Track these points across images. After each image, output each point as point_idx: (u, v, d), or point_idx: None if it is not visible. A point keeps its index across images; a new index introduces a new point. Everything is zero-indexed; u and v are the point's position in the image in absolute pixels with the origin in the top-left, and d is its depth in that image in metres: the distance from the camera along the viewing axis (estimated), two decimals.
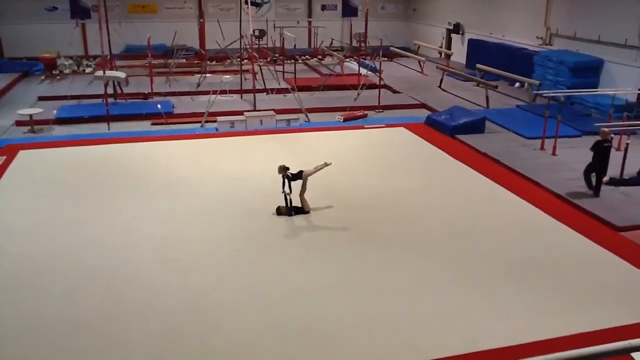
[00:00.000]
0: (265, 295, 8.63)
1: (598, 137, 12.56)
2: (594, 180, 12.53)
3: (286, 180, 11.36)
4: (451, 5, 31.17)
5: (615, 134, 14.50)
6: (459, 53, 29.42)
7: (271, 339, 7.61)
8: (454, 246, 10.29)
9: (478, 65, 23.95)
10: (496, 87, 21.34)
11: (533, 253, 10.07)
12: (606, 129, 12.60)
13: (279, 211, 11.50)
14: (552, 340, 7.58)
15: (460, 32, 30.10)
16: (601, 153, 12.34)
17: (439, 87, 24.12)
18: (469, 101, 21.25)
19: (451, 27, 30.70)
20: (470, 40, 28.66)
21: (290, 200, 11.46)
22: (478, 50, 27.23)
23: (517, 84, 23.91)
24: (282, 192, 11.41)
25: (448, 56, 29.15)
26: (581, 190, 12.64)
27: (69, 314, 8.10)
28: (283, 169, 11.41)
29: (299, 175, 11.50)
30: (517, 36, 25.43)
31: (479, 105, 20.78)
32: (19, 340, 7.53)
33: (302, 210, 11.52)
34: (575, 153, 15.22)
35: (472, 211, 11.86)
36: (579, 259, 9.91)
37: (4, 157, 14.64)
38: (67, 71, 26.65)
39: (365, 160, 14.93)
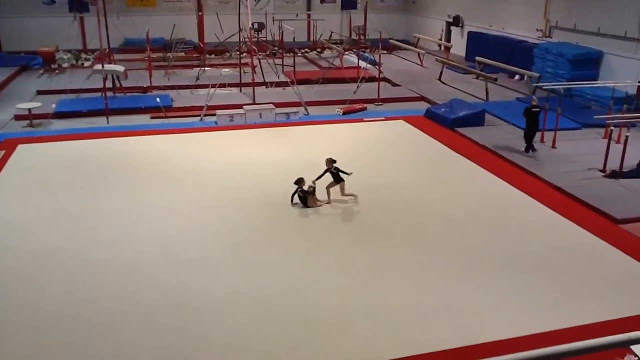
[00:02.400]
0: (265, 288, 8.63)
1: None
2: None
3: (327, 174, 11.50)
4: None
5: (615, 126, 14.49)
6: (459, 46, 29.35)
7: (272, 332, 7.62)
8: (453, 238, 10.29)
9: (478, 58, 23.89)
10: (496, 79, 21.30)
11: (533, 246, 10.07)
12: (535, 98, 15.42)
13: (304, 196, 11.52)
14: (551, 333, 7.60)
15: (460, 25, 30.01)
16: (532, 117, 14.61)
17: (439, 79, 24.07)
18: (468, 94, 21.21)
19: (451, 20, 30.60)
20: (469, 33, 28.59)
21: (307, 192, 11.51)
22: (478, 43, 27.16)
23: (516, 77, 23.86)
24: (313, 182, 11.49)
25: (448, 49, 29.08)
26: (581, 183, 12.64)
27: (69, 309, 8.10)
28: (330, 162, 11.49)
29: (338, 176, 11.51)
30: (516, 29, 25.36)
31: (479, 97, 20.74)
32: (18, 335, 7.53)
33: (306, 202, 11.53)
34: (575, 145, 15.23)
35: (471, 204, 11.86)
36: (578, 252, 9.91)
37: (3, 152, 14.61)
38: (65, 65, 26.56)
39: (365, 153, 14.90)
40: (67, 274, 8.99)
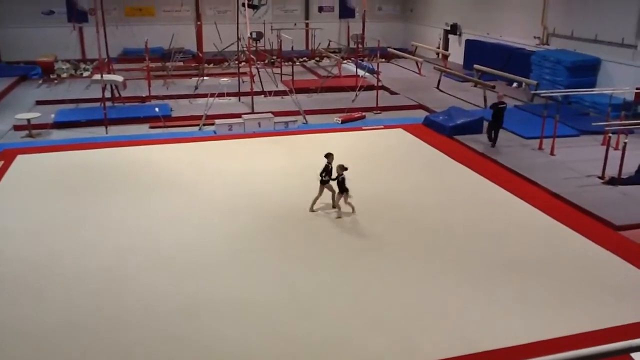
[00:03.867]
0: (264, 298, 8.60)
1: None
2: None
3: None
4: (448, 6, 31.22)
5: (613, 133, 14.52)
6: (457, 54, 29.46)
7: (271, 342, 7.60)
8: (453, 246, 10.29)
9: (475, 66, 23.97)
10: (494, 87, 21.33)
11: (532, 253, 10.06)
12: (501, 93, 16.70)
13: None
14: (551, 341, 7.57)
15: (458, 33, 30.14)
16: (498, 112, 15.72)
17: (437, 87, 24.13)
18: (466, 102, 21.27)
19: (448, 28, 30.74)
20: (467, 41, 28.71)
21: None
22: (475, 51, 27.27)
23: (514, 84, 23.93)
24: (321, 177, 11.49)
25: (445, 57, 29.17)
26: (580, 190, 12.65)
27: (68, 317, 8.07)
28: (342, 169, 11.31)
29: (344, 185, 11.36)
30: (514, 36, 25.47)
31: (477, 105, 20.79)
32: (18, 343, 7.51)
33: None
34: (574, 152, 15.26)
35: (470, 211, 11.86)
36: (578, 259, 9.90)
37: (2, 162, 14.61)
38: (64, 75, 26.63)
39: (364, 162, 14.90)
40: (66, 283, 8.98)
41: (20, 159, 14.98)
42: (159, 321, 8.02)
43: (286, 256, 9.94)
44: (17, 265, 9.55)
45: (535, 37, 23.90)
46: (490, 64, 23.70)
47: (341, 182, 11.35)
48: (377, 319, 8.10)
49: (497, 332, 7.80)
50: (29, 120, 17.64)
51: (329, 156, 11.65)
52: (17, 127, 18.06)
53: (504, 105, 15.85)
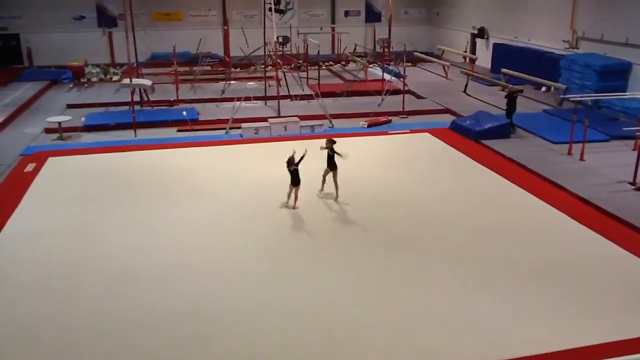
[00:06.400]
0: (289, 301, 8.63)
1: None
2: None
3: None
4: (475, 10, 31.00)
5: None
6: (484, 57, 29.22)
7: (295, 345, 7.62)
8: (479, 251, 10.19)
9: (503, 70, 23.74)
10: (522, 91, 21.09)
11: (560, 259, 9.92)
12: (513, 87, 19.41)
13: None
14: (578, 350, 7.45)
15: (485, 37, 29.89)
16: (513, 100, 17.91)
17: (464, 92, 23.95)
18: (494, 106, 21.04)
19: (476, 32, 30.50)
20: (495, 45, 28.45)
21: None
22: (503, 55, 27.03)
23: (543, 88, 23.64)
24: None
25: (473, 61, 28.96)
26: (610, 196, 12.44)
27: (93, 320, 8.18)
28: (330, 142, 11.85)
29: (334, 162, 11.91)
30: (542, 40, 25.16)
31: (505, 109, 20.52)
32: (44, 345, 7.65)
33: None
34: (604, 158, 15.02)
35: (497, 217, 11.75)
36: (607, 266, 9.74)
37: (34, 164, 14.91)
38: (94, 79, 27.07)
39: (390, 166, 14.88)
40: (92, 285, 9.11)
41: (51, 161, 15.26)
42: (183, 323, 8.09)
43: (311, 260, 9.95)
44: (45, 266, 9.73)
45: (564, 41, 23.58)
46: (518, 68, 23.46)
47: (331, 157, 11.68)
48: (401, 325, 8.06)
49: (521, 339, 7.69)
50: (60, 123, 17.97)
51: (330, 142, 11.93)
52: (48, 130, 18.41)
53: (517, 95, 18.16)
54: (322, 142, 12.36)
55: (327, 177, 12.42)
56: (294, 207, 11.93)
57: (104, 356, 7.43)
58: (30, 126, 19.19)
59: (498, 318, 8.21)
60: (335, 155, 11.99)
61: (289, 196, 11.97)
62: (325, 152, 12.20)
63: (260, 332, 7.90)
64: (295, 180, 11.71)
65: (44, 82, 25.96)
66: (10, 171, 14.62)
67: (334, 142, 11.94)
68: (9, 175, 14.30)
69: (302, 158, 11.68)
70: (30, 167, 14.72)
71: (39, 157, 15.52)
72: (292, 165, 11.58)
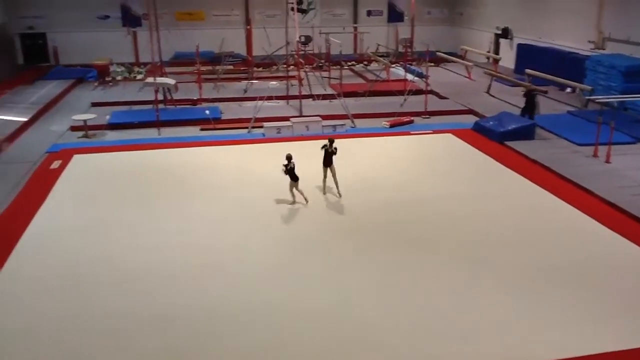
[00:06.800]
0: (308, 302, 8.66)
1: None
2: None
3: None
4: (499, 10, 30.73)
5: None
6: (508, 58, 28.96)
7: (308, 345, 7.65)
8: (502, 254, 10.11)
9: (527, 70, 23.50)
10: (546, 92, 20.88)
11: (584, 262, 9.81)
12: (532, 86, 19.62)
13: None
14: (606, 355, 7.37)
15: (509, 37, 29.61)
16: (531, 98, 18.45)
17: (487, 92, 23.77)
18: (517, 107, 20.77)
19: (499, 32, 30.24)
20: (519, 45, 28.18)
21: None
22: (527, 55, 26.76)
23: (568, 89, 23.35)
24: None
25: (496, 61, 28.72)
26: (636, 199, 12.26)
27: (112, 315, 8.31)
28: (331, 142, 12.67)
29: (331, 159, 12.68)
30: (567, 40, 24.85)
31: (521, 108, 20.34)
32: (66, 340, 7.77)
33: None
34: (630, 160, 14.81)
35: (520, 218, 11.64)
36: (632, 269, 9.60)
37: (60, 162, 15.14)
38: (119, 78, 27.38)
39: (412, 166, 14.83)
40: (112, 282, 9.24)
41: (76, 158, 15.48)
42: (203, 321, 8.17)
43: (332, 260, 9.96)
44: (68, 261, 9.90)
45: (589, 42, 23.26)
46: (542, 69, 23.20)
47: (329, 155, 12.56)
48: (422, 325, 8.04)
49: (545, 345, 7.62)
50: (85, 121, 18.22)
51: (331, 141, 12.70)
52: (74, 128, 18.67)
53: (536, 93, 18.55)
54: (342, 141, 12.37)
55: (327, 176, 12.82)
56: (306, 201, 12.35)
57: (119, 353, 7.51)
58: (56, 124, 19.48)
59: (522, 322, 8.13)
60: (334, 152, 12.71)
61: (292, 195, 12.35)
62: (323, 151, 12.69)
63: (276, 332, 7.94)
64: (294, 177, 12.16)
65: (70, 80, 26.34)
66: (36, 168, 14.85)
67: (333, 141, 12.71)
68: (36, 172, 14.53)
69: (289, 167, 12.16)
70: (56, 164, 14.94)
71: (65, 155, 15.75)
72: (287, 166, 12.07)
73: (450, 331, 7.91)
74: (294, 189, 12.28)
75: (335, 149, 12.64)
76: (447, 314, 8.30)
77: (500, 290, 8.92)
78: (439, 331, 7.91)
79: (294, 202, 12.33)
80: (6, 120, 19.13)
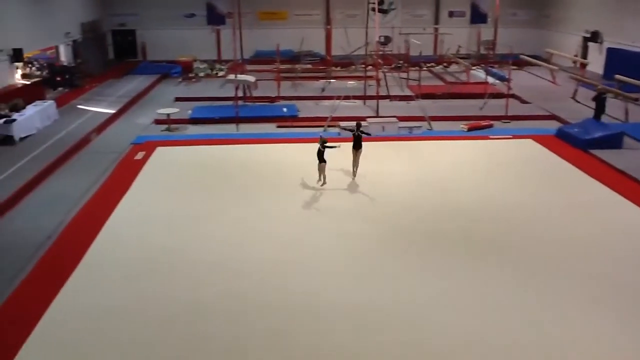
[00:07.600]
0: (372, 301, 8.61)
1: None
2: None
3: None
4: (588, 12, 29.42)
5: None
6: (596, 63, 27.70)
7: (373, 345, 7.59)
8: (577, 267, 9.67)
9: (617, 76, 22.40)
10: (637, 99, 19.84)
11: None
12: (601, 87, 19.76)
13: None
14: None
15: (599, 41, 28.32)
16: (601, 102, 18.35)
17: (573, 98, 22.83)
18: (606, 114, 19.91)
19: (588, 35, 28.98)
20: (609, 49, 26.89)
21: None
22: (618, 60, 25.49)
23: None
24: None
25: (583, 65, 27.53)
26: None
27: (188, 307, 8.54)
28: (358, 125, 13.64)
29: (360, 142, 13.53)
30: None
31: (617, 118, 19.42)
32: (143, 325, 8.07)
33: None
34: None
35: (600, 232, 11.08)
36: None
37: (144, 153, 15.78)
38: (201, 74, 28.22)
39: (489, 171, 14.46)
40: (186, 273, 9.48)
41: (159, 150, 16.09)
42: (272, 316, 8.28)
43: (403, 262, 9.86)
44: (147, 249, 10.29)
45: None
46: (634, 75, 22.02)
47: (358, 138, 13.34)
48: (492, 339, 7.82)
49: None
50: (168, 115, 18.91)
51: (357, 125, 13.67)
52: (157, 121, 19.42)
53: (605, 96, 18.62)
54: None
55: (356, 158, 13.60)
56: (324, 183, 13.13)
57: (185, 343, 7.71)
58: (141, 117, 20.33)
59: (600, 340, 7.76)
60: (362, 135, 13.51)
61: (320, 176, 13.06)
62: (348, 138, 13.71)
63: (340, 331, 7.92)
64: (321, 159, 12.83)
65: (156, 75, 27.45)
66: (122, 158, 15.56)
67: (360, 125, 13.74)
68: (121, 162, 15.23)
69: (332, 146, 12.90)
70: (140, 155, 15.59)
71: (149, 147, 16.40)
72: (322, 145, 12.79)
73: (532, 349, 7.64)
74: (322, 171, 12.99)
75: (362, 132, 13.52)
76: (520, 330, 8.02)
77: (577, 306, 8.53)
78: (509, 348, 7.66)
79: (324, 183, 13.08)
80: (96, 112, 20.17)
